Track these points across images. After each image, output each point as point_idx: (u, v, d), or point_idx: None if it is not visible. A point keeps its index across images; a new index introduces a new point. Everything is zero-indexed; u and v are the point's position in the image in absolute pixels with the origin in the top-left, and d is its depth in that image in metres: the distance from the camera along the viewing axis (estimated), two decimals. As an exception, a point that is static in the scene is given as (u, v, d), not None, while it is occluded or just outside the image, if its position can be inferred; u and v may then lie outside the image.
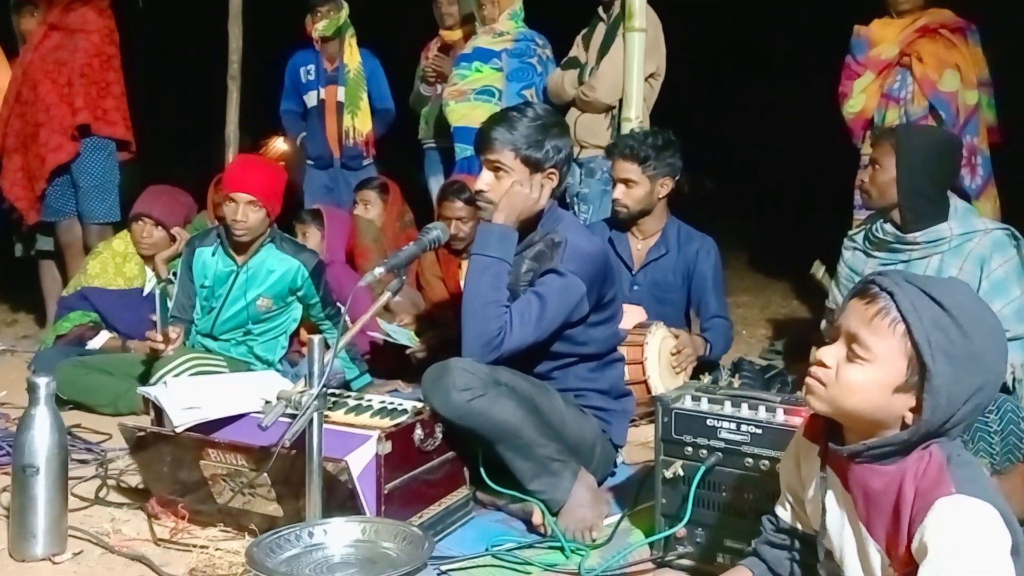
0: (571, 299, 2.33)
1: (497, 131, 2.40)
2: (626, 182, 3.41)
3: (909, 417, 1.33)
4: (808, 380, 1.41)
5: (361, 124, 4.91)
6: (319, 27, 4.88)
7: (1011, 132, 4.34)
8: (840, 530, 1.45)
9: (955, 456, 1.33)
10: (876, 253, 3.04)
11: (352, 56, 4.92)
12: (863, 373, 1.34)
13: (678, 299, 3.51)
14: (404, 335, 3.54)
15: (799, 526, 1.58)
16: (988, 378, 1.32)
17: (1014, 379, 2.65)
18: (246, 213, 3.20)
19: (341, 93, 4.92)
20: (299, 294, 3.38)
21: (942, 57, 4.10)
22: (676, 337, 3.24)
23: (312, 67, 5.01)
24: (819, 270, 3.68)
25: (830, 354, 1.39)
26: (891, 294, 1.33)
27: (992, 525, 1.25)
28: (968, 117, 4.11)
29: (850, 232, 3.24)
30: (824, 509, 1.46)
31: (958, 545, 1.24)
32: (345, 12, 4.89)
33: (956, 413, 1.31)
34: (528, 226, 2.44)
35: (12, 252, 4.68)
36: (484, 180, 2.43)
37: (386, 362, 3.80)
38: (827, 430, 1.43)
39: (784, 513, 1.60)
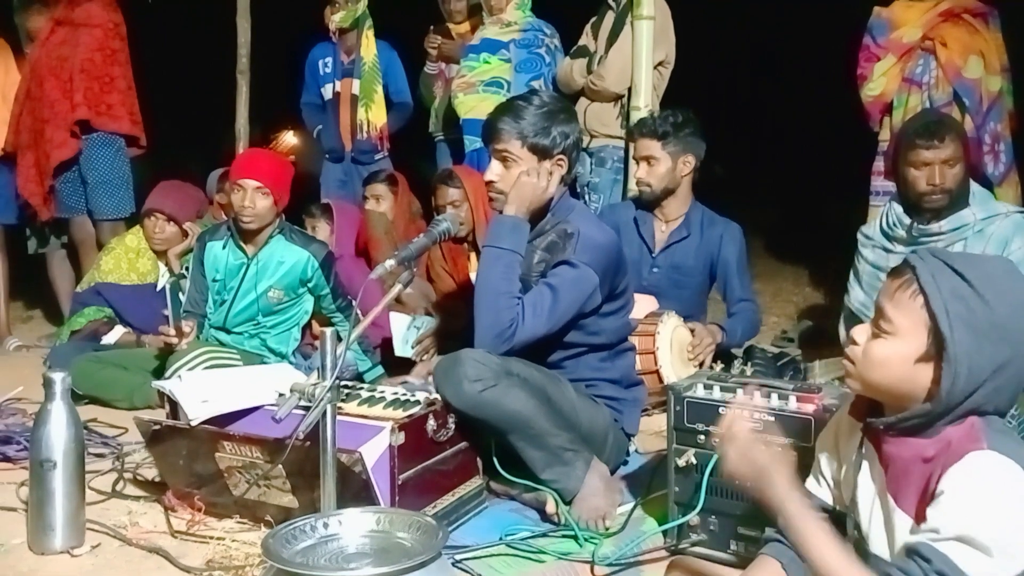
0: (584, 290, 2.33)
1: (504, 121, 2.40)
2: (648, 160, 3.42)
3: (933, 389, 1.33)
4: (844, 360, 1.44)
5: (375, 117, 4.87)
6: (336, 18, 4.86)
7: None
8: (870, 505, 1.45)
9: (995, 424, 1.32)
10: (897, 247, 3.04)
11: (368, 48, 4.87)
12: (886, 347, 1.36)
13: (697, 283, 3.49)
14: (407, 351, 3.48)
15: (834, 504, 1.58)
16: (1018, 349, 1.30)
17: None
18: (253, 199, 3.21)
19: (356, 86, 4.88)
20: (310, 285, 3.40)
21: (966, 43, 4.04)
22: (692, 331, 3.23)
23: (330, 59, 4.99)
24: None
25: (861, 332, 1.41)
26: (913, 267, 1.35)
27: (1017, 479, 1.24)
28: (991, 104, 4.05)
29: (863, 228, 3.23)
30: (856, 484, 1.47)
31: (975, 491, 1.24)
32: (363, 3, 4.85)
33: (982, 385, 1.30)
34: (539, 214, 2.44)
35: (27, 249, 4.70)
36: (493, 171, 2.43)
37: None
38: (869, 409, 1.44)
39: (818, 489, 1.60)
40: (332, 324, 3.43)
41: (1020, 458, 1.27)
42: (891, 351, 1.35)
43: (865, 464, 1.46)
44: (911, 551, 1.28)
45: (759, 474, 1.44)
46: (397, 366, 3.70)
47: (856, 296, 3.18)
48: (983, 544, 1.22)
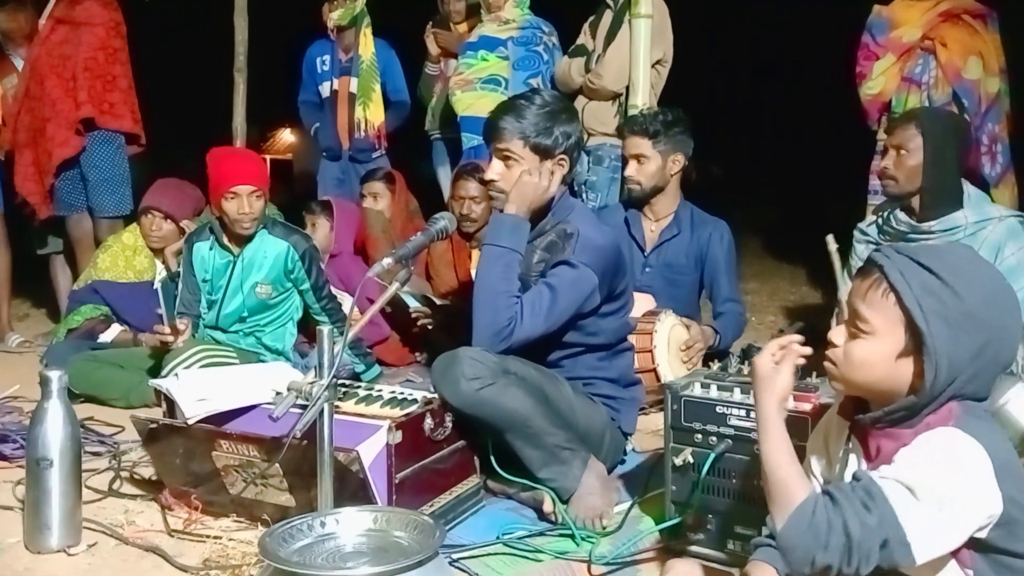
0: (583, 291, 2.33)
1: (506, 120, 2.39)
2: (637, 158, 3.43)
3: (915, 382, 1.36)
4: (824, 362, 1.45)
5: (373, 115, 4.88)
6: (334, 16, 4.86)
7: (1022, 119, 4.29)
8: None
9: (973, 410, 1.35)
10: (890, 244, 3.03)
11: (366, 47, 4.88)
12: (865, 347, 1.38)
13: (690, 282, 3.50)
14: (411, 297, 3.52)
15: None
16: (991, 335, 1.33)
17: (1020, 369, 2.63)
18: (251, 204, 3.21)
19: (354, 84, 4.89)
20: (292, 277, 3.37)
21: (966, 44, 4.04)
22: (687, 328, 3.24)
23: (327, 57, 4.99)
24: (832, 245, 3.48)
25: (838, 333, 1.43)
26: (881, 266, 1.37)
27: (972, 454, 1.28)
28: (990, 105, 4.06)
29: (860, 224, 3.22)
30: (844, 479, 1.48)
31: (925, 450, 1.29)
32: (362, 1, 4.85)
33: (962, 373, 1.32)
34: (540, 214, 2.44)
35: (25, 247, 4.69)
36: (494, 170, 2.43)
37: (393, 356, 3.83)
38: (856, 408, 1.46)
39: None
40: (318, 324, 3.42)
41: (984, 439, 1.30)
42: (871, 351, 1.38)
43: (852, 458, 1.48)
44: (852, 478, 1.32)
45: (758, 383, 1.48)
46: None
47: (848, 292, 3.17)
48: (914, 487, 1.26)
